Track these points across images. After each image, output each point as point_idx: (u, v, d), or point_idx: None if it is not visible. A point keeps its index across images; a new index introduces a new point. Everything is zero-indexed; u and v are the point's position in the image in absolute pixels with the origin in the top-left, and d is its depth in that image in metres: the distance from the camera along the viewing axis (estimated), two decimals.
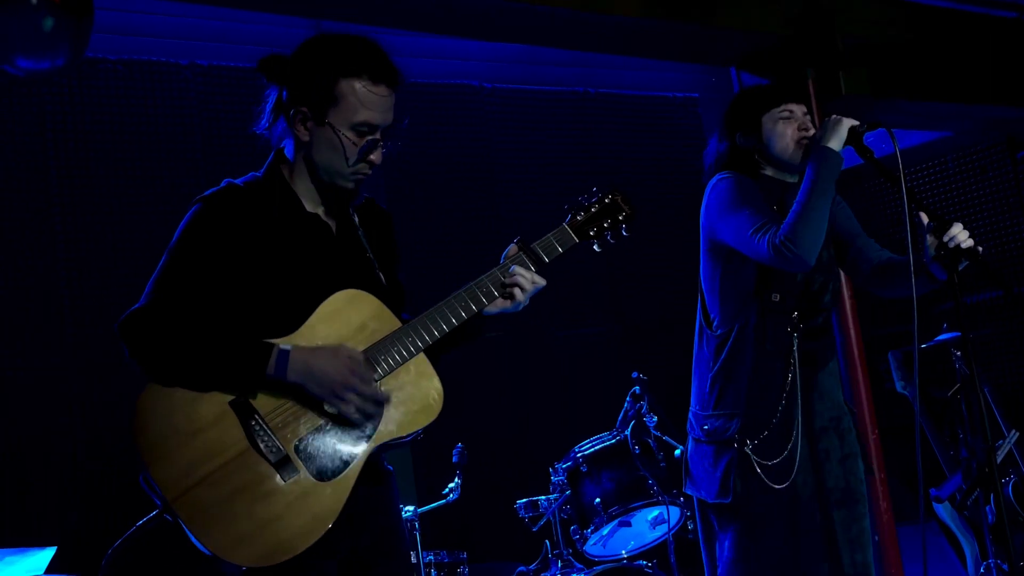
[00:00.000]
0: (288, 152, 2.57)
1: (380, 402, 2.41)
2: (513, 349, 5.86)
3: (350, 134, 2.46)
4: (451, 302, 2.54)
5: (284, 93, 2.52)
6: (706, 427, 3.33)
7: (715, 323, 3.34)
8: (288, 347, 2.37)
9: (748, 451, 3.22)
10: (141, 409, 2.36)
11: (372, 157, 2.50)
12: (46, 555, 3.51)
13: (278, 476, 2.35)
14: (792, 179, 3.35)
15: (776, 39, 5.16)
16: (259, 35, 5.48)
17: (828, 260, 3.37)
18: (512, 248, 2.66)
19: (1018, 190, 6.52)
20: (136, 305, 2.42)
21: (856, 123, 3.14)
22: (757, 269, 3.24)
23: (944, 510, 5.37)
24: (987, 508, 5.09)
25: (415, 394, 2.48)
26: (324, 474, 2.37)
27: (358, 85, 2.45)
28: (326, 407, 2.40)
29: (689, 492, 3.44)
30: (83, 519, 4.57)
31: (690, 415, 3.43)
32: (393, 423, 2.44)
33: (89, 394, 4.71)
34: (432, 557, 4.38)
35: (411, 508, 4.39)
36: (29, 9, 3.38)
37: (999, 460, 5.34)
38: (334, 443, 2.40)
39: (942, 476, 5.49)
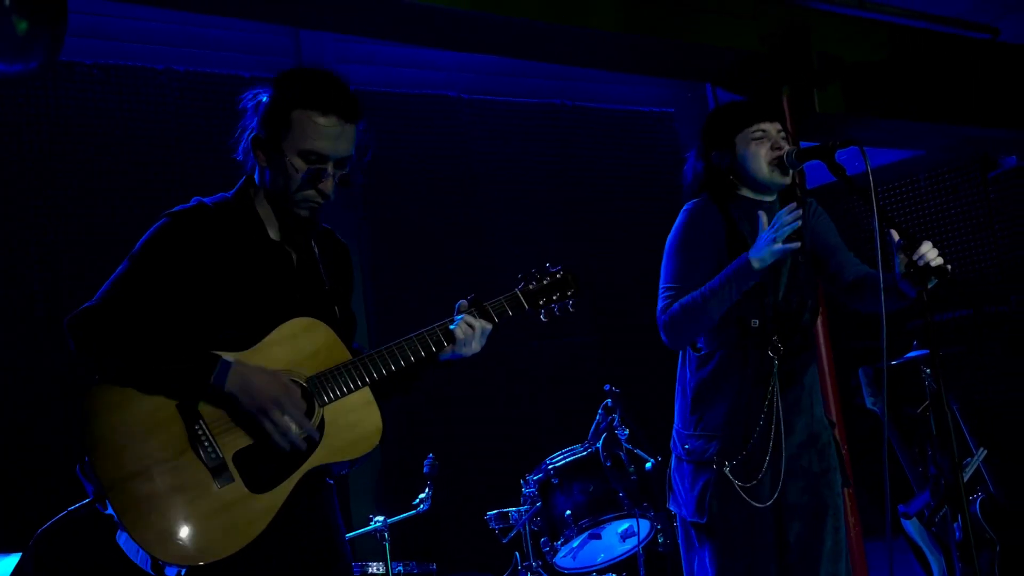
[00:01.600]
0: (256, 177, 2.69)
1: (307, 432, 2.48)
2: (486, 358, 5.84)
3: (297, 160, 2.57)
4: (402, 345, 2.67)
5: (254, 121, 2.65)
6: (687, 447, 3.35)
7: (698, 343, 3.37)
8: (231, 360, 2.46)
9: (727, 472, 3.24)
10: (91, 402, 2.44)
11: (322, 187, 2.59)
12: (10, 561, 3.48)
13: (214, 482, 2.42)
14: (769, 198, 3.38)
15: (752, 56, 5.19)
16: (236, 42, 5.47)
17: (804, 279, 3.39)
18: (464, 304, 2.79)
19: (989, 209, 6.59)
20: (87, 303, 2.50)
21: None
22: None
23: (912, 526, 5.40)
24: (955, 525, 5.12)
25: (355, 425, 2.58)
26: (258, 486, 2.45)
27: (309, 114, 2.56)
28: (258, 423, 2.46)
29: (671, 508, 3.47)
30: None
31: (674, 432, 3.46)
32: (329, 449, 2.53)
33: (64, 394, 4.67)
34: (401, 568, 4.37)
35: (380, 518, 4.38)
36: (2, 12, 3.36)
37: (966, 478, 5.39)
38: (272, 458, 2.47)
39: (910, 492, 5.53)
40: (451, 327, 2.71)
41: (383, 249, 5.79)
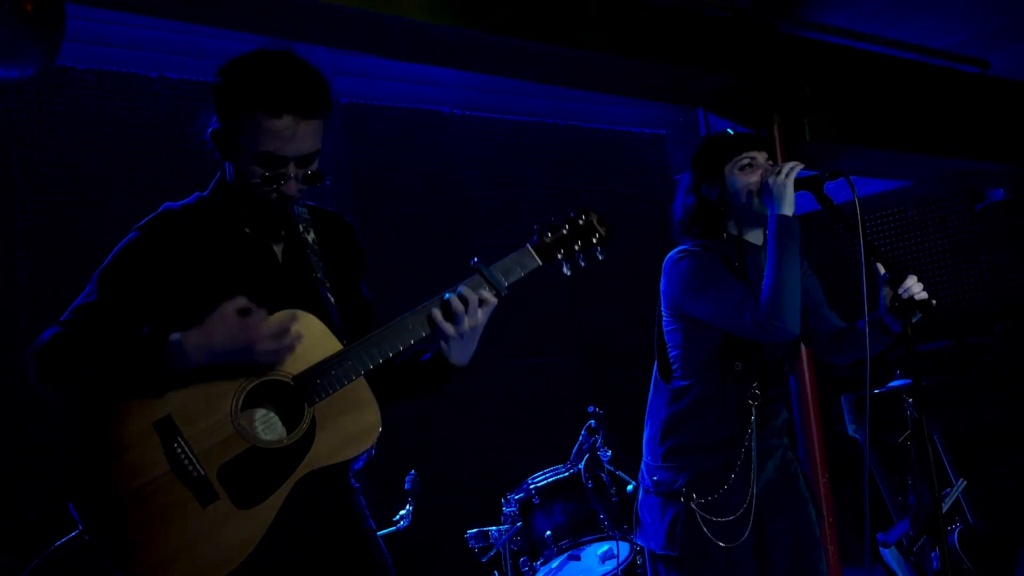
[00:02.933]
0: (227, 169, 2.52)
1: (286, 331, 2.30)
2: (470, 375, 5.84)
3: (253, 165, 2.37)
4: (394, 324, 2.43)
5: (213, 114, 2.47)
6: (655, 478, 3.34)
7: (675, 375, 3.35)
8: (177, 335, 2.27)
9: (694, 507, 3.22)
10: (73, 431, 2.31)
11: (284, 189, 2.39)
12: None
13: (198, 502, 2.28)
14: (751, 235, 3.37)
15: (743, 83, 5.21)
16: (230, 51, 5.44)
17: None
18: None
19: (975, 241, 6.62)
20: (46, 330, 2.37)
21: (801, 165, 3.16)
22: (721, 336, 3.25)
23: (890, 555, 5.41)
24: (933, 555, 5.13)
25: (350, 421, 2.39)
26: (245, 501, 2.30)
27: (257, 116, 2.33)
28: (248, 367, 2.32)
29: (639, 541, 3.45)
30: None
31: (642, 466, 3.44)
32: (323, 452, 2.36)
33: (45, 405, 4.65)
34: None
35: None
36: None
37: (946, 508, 5.40)
38: (258, 469, 2.32)
39: (890, 521, 5.54)
40: (446, 296, 2.43)
41: (370, 263, 5.77)
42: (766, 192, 3.17)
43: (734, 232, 3.36)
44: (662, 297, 3.39)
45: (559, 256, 2.55)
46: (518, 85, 5.93)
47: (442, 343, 2.48)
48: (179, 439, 2.30)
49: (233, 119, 2.37)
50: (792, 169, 3.13)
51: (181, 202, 2.52)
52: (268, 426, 2.38)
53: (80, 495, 2.28)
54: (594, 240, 2.60)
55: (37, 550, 3.34)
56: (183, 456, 2.29)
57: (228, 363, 2.30)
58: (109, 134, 5.08)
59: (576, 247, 2.58)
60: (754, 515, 3.22)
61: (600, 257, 2.61)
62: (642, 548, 4.38)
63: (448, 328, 2.42)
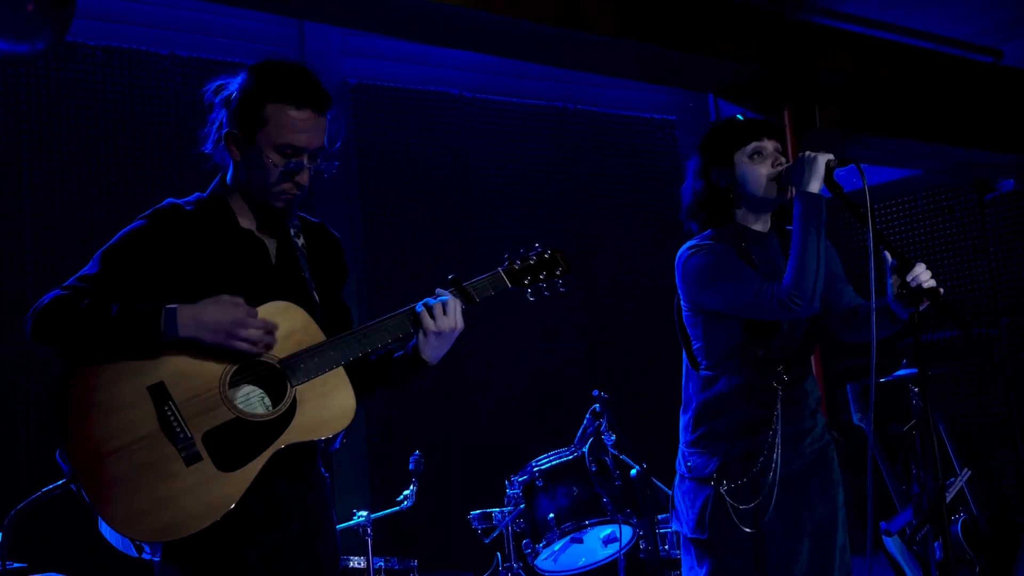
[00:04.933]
0: (228, 173, 2.73)
1: (271, 330, 2.53)
2: (477, 358, 5.86)
3: (274, 155, 2.59)
4: (375, 323, 2.67)
5: (223, 115, 2.68)
6: (690, 463, 3.35)
7: (701, 365, 3.36)
8: (174, 305, 2.49)
9: (723, 492, 3.24)
10: (60, 385, 2.48)
11: (298, 179, 2.63)
12: None
13: (181, 460, 2.46)
14: (764, 225, 3.38)
15: (755, 70, 5.20)
16: (241, 29, 5.47)
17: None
18: (440, 290, 2.76)
19: (984, 232, 6.60)
20: (49, 293, 2.54)
21: (831, 157, 3.16)
22: (742, 324, 3.25)
23: (893, 544, 5.41)
24: (936, 544, 5.14)
25: (328, 404, 2.59)
26: (226, 465, 2.47)
27: (283, 109, 2.58)
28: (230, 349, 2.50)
29: (674, 527, 3.46)
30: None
31: (679, 450, 3.46)
32: (302, 427, 2.55)
33: (48, 382, 4.67)
34: (383, 563, 4.37)
35: (364, 513, 4.38)
36: None
37: (950, 498, 5.41)
38: (241, 438, 2.50)
39: (893, 510, 5.54)
40: (429, 301, 2.68)
41: (377, 244, 5.79)
42: (796, 168, 3.17)
43: (740, 219, 3.36)
44: (680, 293, 3.40)
45: (525, 282, 2.86)
46: (528, 68, 5.92)
47: (420, 337, 2.69)
48: (170, 403, 2.49)
49: (255, 114, 2.59)
50: (823, 153, 3.15)
51: (187, 198, 2.72)
52: (252, 401, 2.57)
53: (70, 447, 2.44)
54: (557, 272, 2.90)
55: (25, 495, 3.44)
56: (172, 419, 2.48)
57: (215, 344, 2.50)
58: (117, 110, 5.08)
59: (541, 277, 2.88)
60: (781, 499, 3.23)
61: (561, 290, 2.91)
62: (645, 532, 4.42)
63: (429, 322, 2.66)
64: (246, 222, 2.70)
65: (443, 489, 5.23)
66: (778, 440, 3.25)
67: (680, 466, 3.42)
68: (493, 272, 2.83)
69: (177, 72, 5.25)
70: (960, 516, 5.54)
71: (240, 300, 2.52)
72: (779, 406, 3.25)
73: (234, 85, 2.67)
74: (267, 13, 4.84)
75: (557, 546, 4.50)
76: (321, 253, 2.82)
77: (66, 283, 2.56)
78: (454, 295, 2.72)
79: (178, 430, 2.46)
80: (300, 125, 2.58)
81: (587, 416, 4.62)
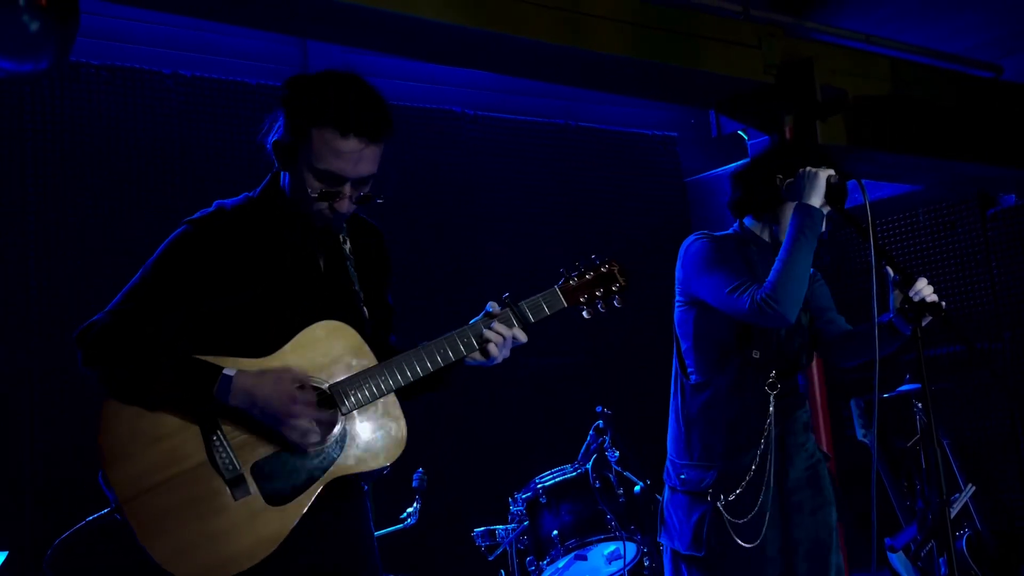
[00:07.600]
0: (282, 178, 2.59)
1: (330, 425, 2.43)
2: (479, 374, 5.85)
3: (312, 178, 2.46)
4: (430, 348, 2.55)
5: (281, 117, 2.53)
6: (683, 476, 3.34)
7: (691, 372, 3.36)
8: (232, 372, 2.38)
9: (720, 507, 3.22)
10: (108, 410, 2.39)
11: (336, 205, 2.49)
12: None
13: (230, 493, 2.37)
14: (765, 232, 3.39)
15: (756, 85, 5.22)
16: (244, 49, 5.49)
17: (807, 323, 3.40)
18: (494, 306, 2.64)
19: (986, 247, 6.60)
20: (97, 315, 2.45)
21: (832, 172, 3.17)
22: (736, 324, 3.26)
23: (898, 560, 5.40)
24: (940, 560, 5.13)
25: (379, 433, 2.51)
26: (275, 498, 2.39)
27: (326, 135, 2.42)
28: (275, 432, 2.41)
29: (662, 541, 3.45)
30: (36, 522, 4.53)
31: (667, 463, 3.44)
32: (352, 458, 2.47)
33: (51, 398, 4.66)
34: None
35: None
36: (14, 10, 3.37)
37: (954, 513, 5.39)
38: (290, 470, 2.42)
39: (898, 525, 5.53)
40: (483, 332, 2.57)
41: None
42: (797, 181, 3.18)
43: (750, 226, 3.40)
44: (676, 284, 3.41)
45: (582, 300, 2.69)
46: (531, 86, 5.94)
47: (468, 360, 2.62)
48: (218, 432, 2.40)
49: (300, 133, 2.44)
50: (824, 168, 3.16)
51: (232, 201, 2.58)
52: None
53: (114, 475, 2.35)
54: (614, 288, 2.73)
55: (70, 524, 3.40)
56: (220, 450, 2.39)
57: (262, 422, 2.38)
58: (121, 129, 5.08)
59: (598, 294, 2.71)
60: (780, 515, 3.23)
61: (618, 306, 2.73)
62: (649, 550, 4.41)
63: (494, 350, 2.59)
64: (295, 233, 2.57)
65: (446, 506, 5.22)
66: (772, 449, 3.24)
67: (671, 478, 3.40)
68: (549, 290, 2.68)
69: (180, 91, 5.27)
70: (965, 531, 5.53)
71: (300, 380, 2.40)
72: (772, 412, 3.25)
73: (287, 91, 2.51)
74: (270, 32, 4.85)
75: (561, 563, 4.49)
76: (367, 252, 2.71)
77: (111, 305, 2.45)
78: (506, 318, 2.60)
79: (227, 461, 2.38)
80: (344, 154, 2.42)
81: (590, 432, 4.62)
